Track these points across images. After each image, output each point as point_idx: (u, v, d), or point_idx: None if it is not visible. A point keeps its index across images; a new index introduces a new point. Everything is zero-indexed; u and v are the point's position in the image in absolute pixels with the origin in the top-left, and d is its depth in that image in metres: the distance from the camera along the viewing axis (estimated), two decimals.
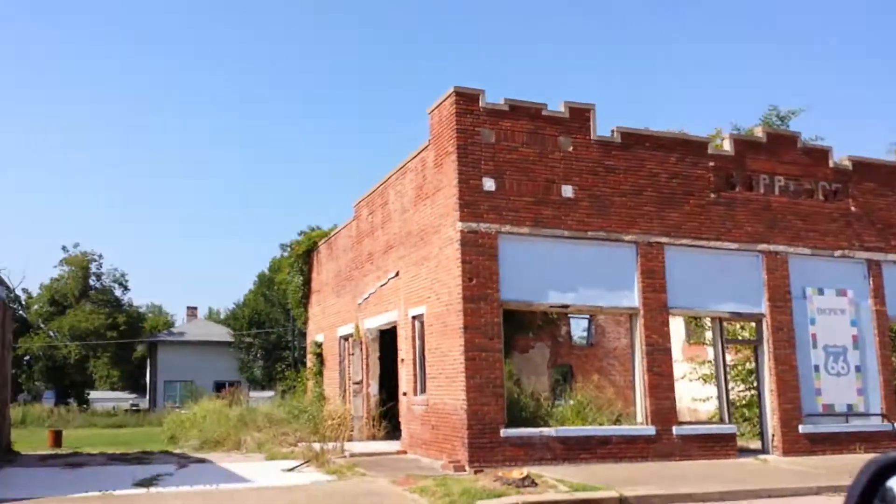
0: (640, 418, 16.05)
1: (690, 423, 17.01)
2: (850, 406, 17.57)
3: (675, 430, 15.85)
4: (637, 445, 15.52)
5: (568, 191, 16.20)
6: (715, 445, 16.14)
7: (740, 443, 17.79)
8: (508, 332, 25.19)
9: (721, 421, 16.90)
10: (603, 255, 16.27)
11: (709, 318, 17.53)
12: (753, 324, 17.84)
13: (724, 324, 17.84)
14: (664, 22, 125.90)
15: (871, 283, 18.42)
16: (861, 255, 18.44)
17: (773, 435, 16.98)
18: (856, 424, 17.55)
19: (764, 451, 17.08)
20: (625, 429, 15.81)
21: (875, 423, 17.71)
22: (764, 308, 17.38)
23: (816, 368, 17.45)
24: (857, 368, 17.81)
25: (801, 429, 16.96)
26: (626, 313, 16.96)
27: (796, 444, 16.85)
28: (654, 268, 16.51)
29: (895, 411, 17.88)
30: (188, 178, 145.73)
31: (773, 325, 17.33)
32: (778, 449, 16.78)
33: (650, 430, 15.70)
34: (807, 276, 17.83)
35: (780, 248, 17.63)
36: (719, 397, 17.10)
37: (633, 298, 16.34)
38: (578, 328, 29.36)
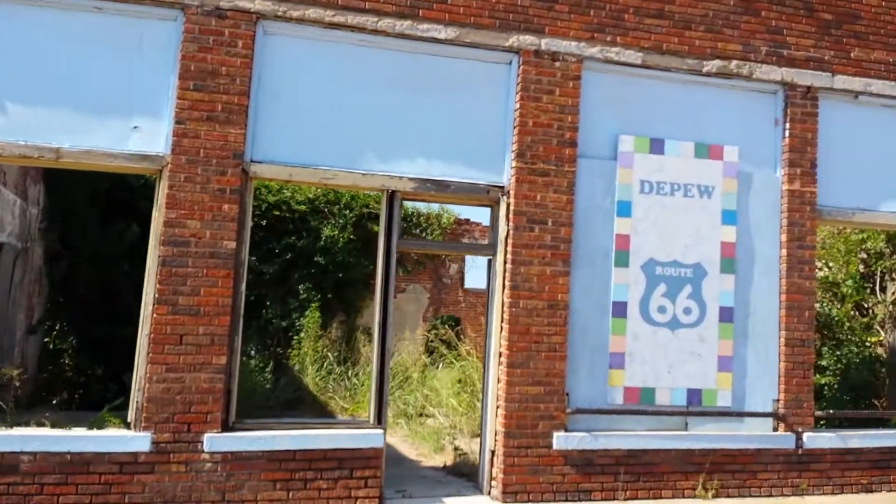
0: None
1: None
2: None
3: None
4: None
5: None
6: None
7: None
8: (366, 267, 15.55)
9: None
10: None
11: None
12: None
13: None
14: None
15: (787, 131, 9.14)
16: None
17: None
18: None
19: None
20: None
21: (758, 431, 8.80)
22: None
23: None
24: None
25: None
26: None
27: None
28: None
29: (796, 408, 8.90)
30: None
31: None
32: None
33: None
34: None
35: None
36: None
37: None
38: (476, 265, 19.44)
